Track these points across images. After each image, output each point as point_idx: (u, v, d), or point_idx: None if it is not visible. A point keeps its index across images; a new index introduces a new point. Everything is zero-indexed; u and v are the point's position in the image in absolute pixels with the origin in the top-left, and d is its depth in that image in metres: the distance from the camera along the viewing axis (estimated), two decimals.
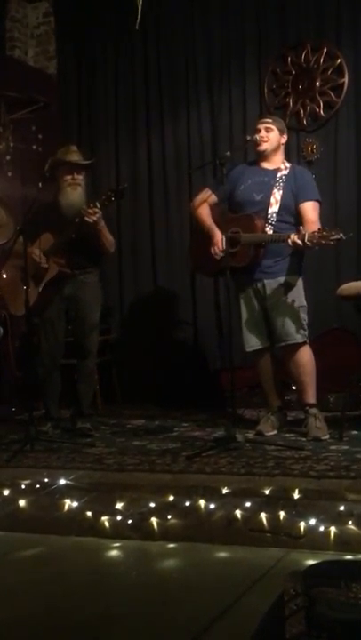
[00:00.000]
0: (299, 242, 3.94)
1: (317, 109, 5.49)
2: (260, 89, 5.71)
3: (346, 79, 5.40)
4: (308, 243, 3.91)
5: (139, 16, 4.19)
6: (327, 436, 4.10)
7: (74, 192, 4.49)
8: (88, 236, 4.41)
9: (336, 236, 3.84)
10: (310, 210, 4.23)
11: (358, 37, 5.40)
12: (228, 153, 4.28)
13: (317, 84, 5.48)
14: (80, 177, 4.51)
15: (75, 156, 4.56)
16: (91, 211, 4.27)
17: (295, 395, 4.60)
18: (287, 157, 5.27)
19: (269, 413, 4.37)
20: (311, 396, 4.27)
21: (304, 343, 4.24)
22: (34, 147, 6.10)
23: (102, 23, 6.25)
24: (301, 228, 4.01)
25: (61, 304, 4.54)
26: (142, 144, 6.14)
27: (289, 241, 3.99)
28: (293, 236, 3.97)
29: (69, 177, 4.47)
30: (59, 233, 4.43)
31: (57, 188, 4.51)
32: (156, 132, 6.08)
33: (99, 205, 4.28)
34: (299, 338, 4.21)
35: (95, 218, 4.28)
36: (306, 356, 4.26)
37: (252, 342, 4.33)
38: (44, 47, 6.69)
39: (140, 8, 4.18)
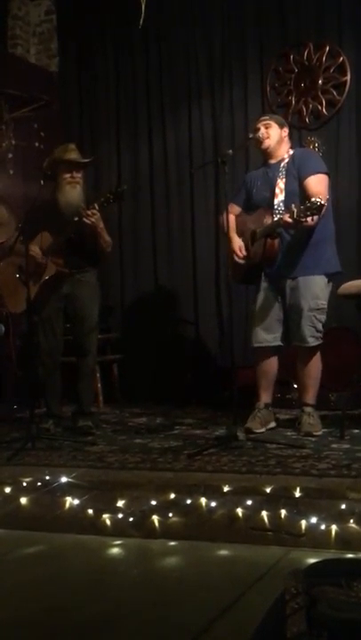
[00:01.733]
0: (289, 220, 3.92)
1: (320, 108, 5.49)
2: (262, 87, 5.72)
3: (348, 77, 5.41)
4: (297, 218, 3.86)
5: (142, 14, 4.18)
6: (320, 433, 4.14)
7: (72, 191, 4.49)
8: (86, 237, 4.42)
9: (315, 204, 3.77)
10: (311, 183, 4.16)
11: (360, 35, 5.39)
12: (231, 151, 4.30)
13: (320, 82, 5.49)
14: (79, 175, 4.51)
15: (73, 155, 4.55)
16: (89, 212, 4.28)
17: (296, 393, 4.61)
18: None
19: (256, 410, 4.37)
20: (310, 398, 4.30)
21: (316, 347, 4.25)
22: (35, 145, 6.10)
23: (104, 21, 6.26)
24: (292, 205, 3.94)
25: (59, 303, 4.55)
26: (144, 142, 6.14)
27: (281, 222, 3.99)
28: (284, 216, 3.96)
29: (68, 175, 4.47)
30: (57, 232, 4.43)
31: (55, 187, 4.51)
32: (158, 130, 6.08)
33: (97, 207, 4.28)
34: (312, 341, 4.21)
35: (94, 219, 4.30)
36: (313, 360, 4.27)
37: (261, 339, 4.33)
38: (45, 45, 6.70)
39: (143, 6, 4.18)
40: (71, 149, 4.60)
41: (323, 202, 3.80)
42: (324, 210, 3.93)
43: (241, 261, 4.35)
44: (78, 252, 4.47)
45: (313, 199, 3.82)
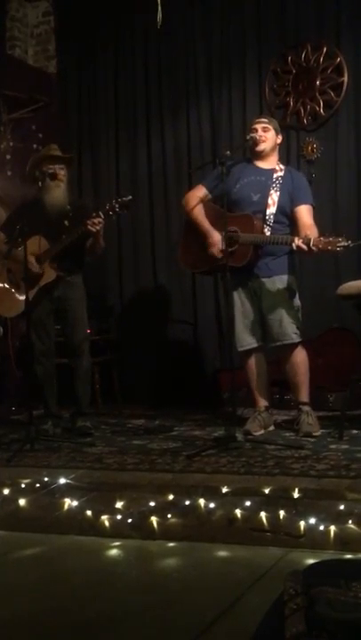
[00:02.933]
0: (304, 246, 3.95)
1: (318, 108, 5.49)
2: (261, 88, 5.71)
3: (346, 78, 5.40)
4: (314, 248, 3.93)
5: (159, 14, 4.15)
6: (319, 433, 4.15)
7: (56, 190, 4.52)
8: (83, 242, 4.46)
9: (343, 243, 3.86)
10: (307, 213, 4.27)
11: (358, 36, 5.39)
12: (229, 152, 4.30)
13: (317, 83, 5.49)
14: (62, 173, 4.54)
15: (55, 152, 4.63)
16: (95, 221, 4.30)
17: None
18: (287, 157, 5.30)
19: (256, 412, 4.37)
20: (304, 395, 4.31)
21: (299, 343, 4.26)
22: (34, 146, 6.09)
23: (102, 22, 6.25)
24: (308, 232, 4.03)
25: (51, 305, 4.56)
26: (142, 143, 6.14)
27: (293, 245, 4.01)
28: (298, 241, 3.98)
29: (51, 171, 4.49)
30: (48, 233, 4.43)
31: (39, 187, 4.52)
32: (157, 131, 6.08)
33: (103, 215, 4.30)
34: (295, 338, 4.24)
35: (99, 228, 4.32)
36: (300, 356, 4.29)
37: (245, 342, 4.35)
38: (43, 46, 6.70)
39: (159, 6, 4.14)
40: (53, 148, 4.68)
41: (351, 244, 3.88)
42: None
43: (218, 256, 4.23)
44: (71, 255, 4.51)
45: (341, 240, 3.87)
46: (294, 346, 4.26)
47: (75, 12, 6.38)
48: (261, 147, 4.35)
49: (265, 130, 4.36)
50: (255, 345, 4.35)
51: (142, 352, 5.89)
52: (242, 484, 3.19)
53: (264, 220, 4.23)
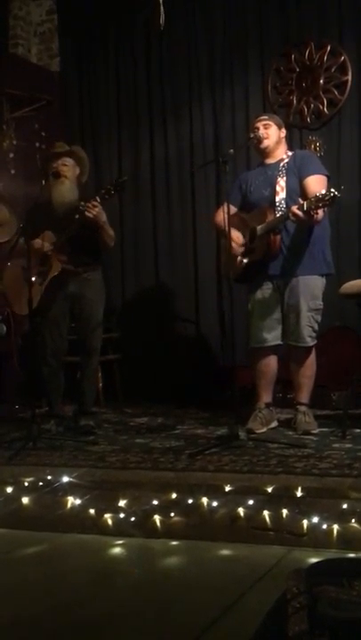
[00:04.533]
0: (299, 213, 3.93)
1: (321, 107, 5.48)
2: (264, 87, 5.71)
3: (349, 77, 5.40)
4: (308, 209, 3.89)
5: (162, 14, 4.16)
6: (317, 430, 4.17)
7: (61, 186, 4.51)
8: (89, 232, 4.41)
9: (330, 194, 3.81)
10: (312, 183, 4.20)
11: None
12: (232, 151, 4.32)
13: (321, 81, 5.48)
14: (65, 168, 4.52)
15: (58, 149, 4.65)
16: (90, 205, 4.26)
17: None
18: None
19: (257, 410, 4.37)
20: (305, 397, 4.34)
21: (312, 347, 4.27)
22: (37, 145, 6.10)
23: (105, 21, 6.25)
24: (299, 199, 4.01)
25: (66, 302, 4.53)
26: (145, 142, 6.14)
27: (290, 215, 3.99)
28: (293, 209, 3.97)
29: (54, 166, 4.51)
30: (57, 229, 4.42)
31: (48, 185, 4.51)
32: (159, 129, 6.08)
33: (99, 199, 4.28)
34: (309, 341, 4.25)
35: (95, 212, 4.28)
36: (310, 359, 4.31)
37: (261, 339, 4.33)
38: (46, 45, 6.70)
39: (162, 7, 4.15)
40: (58, 145, 4.71)
41: (337, 193, 3.81)
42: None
43: (239, 256, 4.31)
44: (82, 248, 4.46)
45: (327, 192, 3.83)
46: (307, 349, 4.26)
47: (78, 10, 6.38)
48: (265, 143, 4.37)
49: (266, 127, 4.37)
50: (270, 343, 4.33)
51: (144, 350, 5.90)
52: (244, 483, 3.19)
53: (275, 207, 4.23)
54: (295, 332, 4.24)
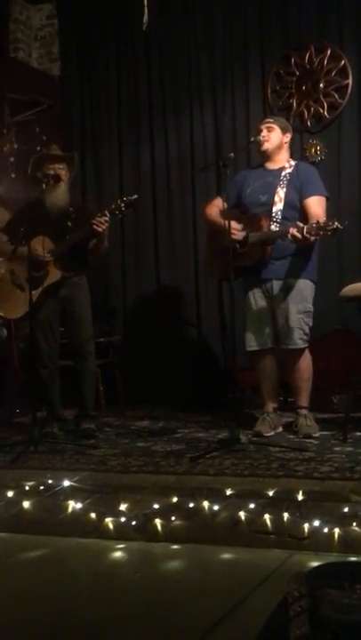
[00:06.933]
0: (298, 235, 3.95)
1: (321, 111, 5.48)
2: (264, 90, 5.71)
3: (350, 80, 5.40)
4: (307, 235, 3.91)
5: (145, 15, 4.18)
6: (318, 434, 4.18)
7: (57, 190, 4.51)
8: (87, 242, 4.45)
9: (333, 226, 3.84)
10: (314, 205, 4.23)
11: None
12: (232, 154, 4.33)
13: (321, 85, 5.48)
14: (63, 172, 4.53)
15: (54, 152, 4.66)
16: (102, 220, 4.29)
17: None
18: (291, 158, 5.28)
19: (265, 414, 4.37)
20: (304, 400, 4.34)
21: (304, 349, 4.27)
22: (37, 148, 6.10)
23: (105, 25, 6.26)
24: (298, 222, 4.01)
25: (57, 305, 4.56)
26: (145, 145, 6.14)
27: (289, 235, 4.00)
28: (293, 230, 3.98)
29: (51, 169, 4.50)
30: (48, 232, 4.43)
31: (40, 188, 4.52)
32: (160, 133, 6.08)
33: (108, 214, 4.30)
34: (300, 343, 4.25)
35: (105, 227, 4.32)
36: (304, 361, 4.31)
37: (253, 342, 4.35)
38: (47, 49, 6.71)
39: (146, 8, 4.17)
40: (53, 148, 4.72)
41: (340, 226, 3.85)
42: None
43: (240, 236, 4.25)
44: (76, 255, 4.51)
45: (331, 224, 3.84)
46: (299, 351, 4.26)
47: (78, 14, 6.38)
48: (265, 146, 4.36)
49: (269, 130, 4.36)
50: (264, 347, 4.34)
51: (145, 354, 5.89)
52: (246, 487, 3.19)
53: (271, 218, 4.23)
54: (286, 335, 4.25)
